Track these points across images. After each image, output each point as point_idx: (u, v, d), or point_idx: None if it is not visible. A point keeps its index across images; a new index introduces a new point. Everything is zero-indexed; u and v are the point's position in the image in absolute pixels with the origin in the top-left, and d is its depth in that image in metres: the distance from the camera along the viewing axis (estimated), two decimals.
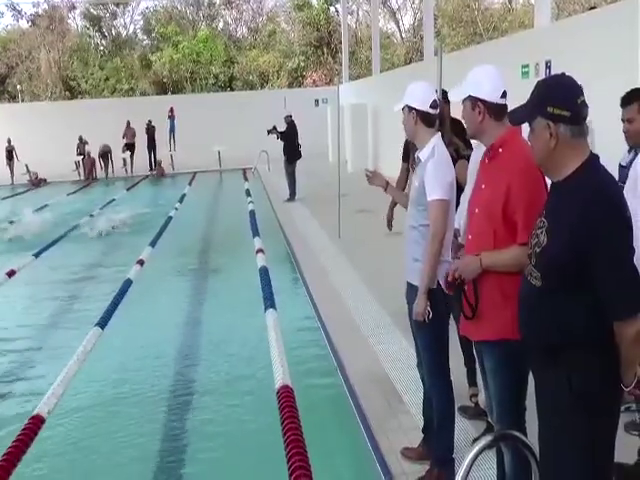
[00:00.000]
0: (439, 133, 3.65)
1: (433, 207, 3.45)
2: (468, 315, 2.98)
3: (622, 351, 2.28)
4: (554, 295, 2.34)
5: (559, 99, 2.34)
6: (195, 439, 4.72)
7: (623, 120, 3.94)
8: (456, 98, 3.08)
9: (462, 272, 2.94)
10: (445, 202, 3.45)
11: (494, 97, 2.97)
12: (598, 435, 2.33)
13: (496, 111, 2.95)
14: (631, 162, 3.90)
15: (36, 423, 3.93)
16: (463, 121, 3.94)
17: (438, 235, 3.41)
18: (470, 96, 3.00)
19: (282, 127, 15.27)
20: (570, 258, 2.26)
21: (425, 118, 3.56)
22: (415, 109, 3.56)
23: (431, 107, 3.56)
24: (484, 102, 2.97)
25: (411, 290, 3.64)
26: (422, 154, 3.59)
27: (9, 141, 23.37)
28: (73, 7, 45.97)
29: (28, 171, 23.37)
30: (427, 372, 3.70)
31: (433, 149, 3.54)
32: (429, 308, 3.45)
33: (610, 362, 2.30)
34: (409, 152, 4.64)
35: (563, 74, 2.48)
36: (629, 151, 4.07)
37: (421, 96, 3.57)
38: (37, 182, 23.11)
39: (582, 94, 2.38)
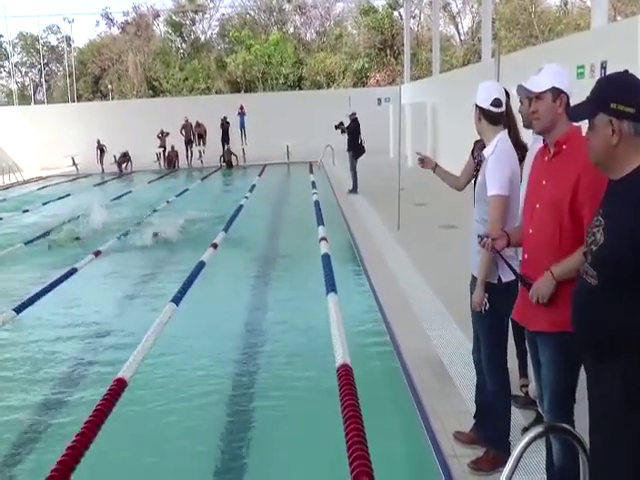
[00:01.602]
0: (505, 130, 3.50)
1: (491, 202, 3.34)
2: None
3: None
4: (609, 293, 2.21)
5: (623, 95, 2.19)
6: (260, 409, 4.75)
7: None
8: (537, 89, 2.84)
9: (539, 294, 2.77)
10: (502, 198, 3.31)
11: (571, 92, 2.82)
12: None
13: (569, 106, 2.79)
14: None
15: (120, 385, 4.08)
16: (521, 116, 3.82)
17: (495, 230, 3.27)
18: (554, 87, 2.82)
19: (347, 124, 15.29)
20: (627, 258, 2.12)
21: (487, 115, 3.44)
22: (478, 106, 3.46)
23: (492, 105, 3.42)
24: (566, 95, 2.81)
25: (473, 281, 3.55)
26: (486, 151, 3.47)
27: (98, 141, 24.19)
28: (157, 15, 47.10)
29: (116, 161, 24.13)
30: (484, 359, 3.57)
31: (495, 146, 3.41)
32: (486, 300, 3.35)
33: None
34: (474, 151, 4.54)
35: (626, 71, 2.32)
36: None
37: (483, 94, 3.45)
38: (124, 162, 23.86)
39: None
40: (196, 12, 47.04)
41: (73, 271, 7.85)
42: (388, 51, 40.28)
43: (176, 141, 24.60)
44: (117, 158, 24.08)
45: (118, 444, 4.23)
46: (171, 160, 24.47)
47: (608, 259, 2.20)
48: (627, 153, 2.21)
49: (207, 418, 4.65)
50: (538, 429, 2.52)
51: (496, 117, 3.45)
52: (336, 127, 15.44)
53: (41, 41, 46.68)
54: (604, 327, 2.24)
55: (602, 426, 2.29)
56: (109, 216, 12.80)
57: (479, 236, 3.15)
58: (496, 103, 3.43)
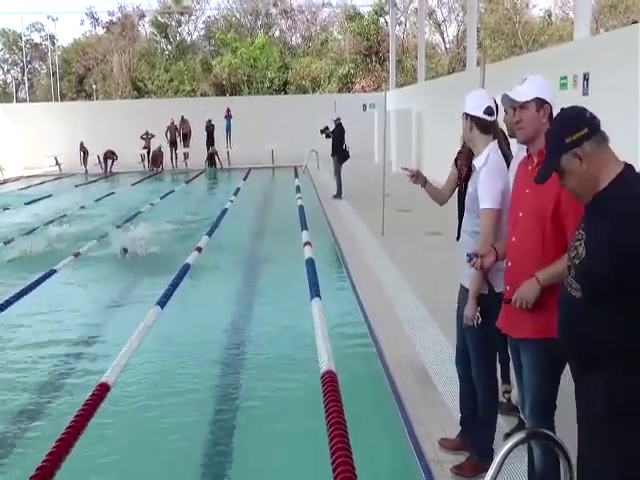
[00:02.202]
0: (495, 141, 3.49)
1: (484, 216, 3.33)
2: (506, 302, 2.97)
3: None
4: (593, 306, 2.25)
5: (571, 125, 2.29)
6: (244, 415, 4.74)
7: None
8: (521, 98, 2.91)
9: (523, 299, 2.81)
10: (495, 211, 3.30)
11: (554, 103, 2.88)
12: (634, 442, 2.23)
13: (552, 117, 2.85)
14: None
15: (103, 390, 4.02)
16: (505, 127, 3.87)
17: (487, 243, 3.26)
18: (538, 98, 2.88)
19: (332, 128, 15.33)
20: (609, 270, 2.15)
21: (479, 124, 3.43)
22: (470, 115, 3.44)
23: (485, 113, 3.42)
24: (549, 106, 2.88)
25: (462, 292, 3.56)
26: (477, 162, 3.45)
27: (82, 144, 23.91)
28: (143, 15, 46.91)
29: (100, 162, 23.94)
30: (475, 369, 3.57)
31: (487, 157, 3.40)
32: (479, 313, 3.33)
33: None
34: (457, 160, 4.57)
35: (562, 108, 2.42)
36: None
37: (475, 102, 3.44)
38: (110, 158, 23.65)
39: (586, 109, 2.34)
40: (182, 13, 46.92)
41: (50, 274, 7.71)
42: (374, 57, 40.44)
43: (161, 142, 24.42)
44: (102, 156, 23.83)
45: (101, 449, 4.19)
46: (156, 159, 24.21)
47: (590, 272, 2.24)
48: (598, 169, 2.27)
49: (192, 422, 4.62)
50: (520, 435, 2.55)
51: (488, 125, 3.45)
52: (321, 131, 15.49)
53: (24, 38, 46.22)
54: (588, 338, 2.28)
55: (588, 437, 2.32)
56: (81, 223, 12.38)
57: (468, 255, 3.17)
58: (489, 111, 3.43)
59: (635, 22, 11.71)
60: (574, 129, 2.27)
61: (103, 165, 23.85)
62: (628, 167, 2.29)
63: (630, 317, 2.18)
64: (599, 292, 2.22)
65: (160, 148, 24.18)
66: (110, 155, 23.66)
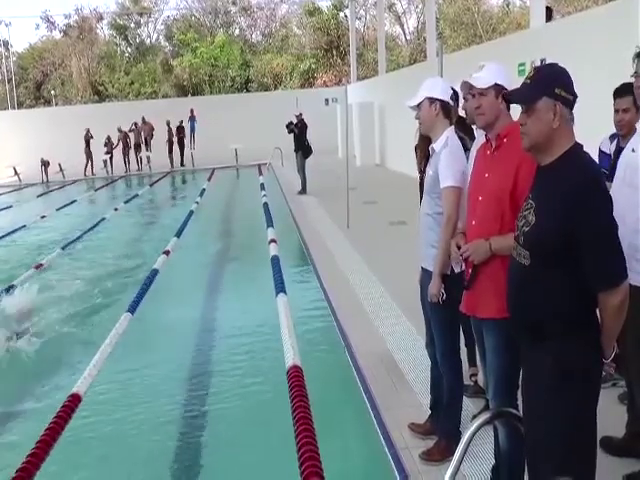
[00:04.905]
0: (452, 126, 3.56)
1: (446, 194, 3.37)
2: (465, 284, 3.00)
3: (604, 322, 2.27)
4: (542, 273, 2.30)
5: (565, 83, 2.34)
6: (213, 413, 4.71)
7: (617, 110, 3.84)
8: (481, 85, 2.94)
9: (472, 255, 2.90)
10: (457, 189, 3.35)
11: (511, 88, 2.91)
12: (583, 409, 2.29)
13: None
14: (618, 151, 3.83)
15: (74, 401, 3.93)
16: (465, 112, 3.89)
17: (452, 221, 3.31)
18: (497, 84, 2.92)
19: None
20: (560, 235, 2.22)
21: (445, 109, 3.49)
22: (438, 100, 3.47)
23: (451, 99, 3.50)
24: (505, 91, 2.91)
25: (425, 275, 3.58)
26: (436, 145, 3.50)
27: (42, 159, 23.17)
28: (101, 18, 46.26)
29: (61, 169, 23.48)
30: (439, 352, 3.60)
31: (447, 140, 3.45)
32: (443, 290, 3.38)
33: (594, 338, 2.29)
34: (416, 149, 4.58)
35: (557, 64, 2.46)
36: (611, 138, 4.00)
37: (442, 88, 3.50)
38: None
39: None
40: (141, 14, 46.37)
41: None
42: (334, 52, 40.47)
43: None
44: (63, 173, 23.48)
45: (74, 464, 4.11)
46: (126, 144, 23.85)
47: (540, 237, 2.29)
48: (561, 137, 2.33)
49: (164, 424, 4.58)
50: (485, 416, 2.58)
51: (451, 111, 3.53)
52: (287, 126, 15.46)
53: None
54: (538, 306, 2.33)
55: (535, 401, 2.36)
56: None
57: (461, 254, 3.10)
58: (453, 97, 3.52)
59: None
60: (565, 87, 2.32)
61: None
62: (579, 143, 2.38)
63: (578, 283, 2.25)
64: (548, 257, 2.27)
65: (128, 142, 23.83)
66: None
